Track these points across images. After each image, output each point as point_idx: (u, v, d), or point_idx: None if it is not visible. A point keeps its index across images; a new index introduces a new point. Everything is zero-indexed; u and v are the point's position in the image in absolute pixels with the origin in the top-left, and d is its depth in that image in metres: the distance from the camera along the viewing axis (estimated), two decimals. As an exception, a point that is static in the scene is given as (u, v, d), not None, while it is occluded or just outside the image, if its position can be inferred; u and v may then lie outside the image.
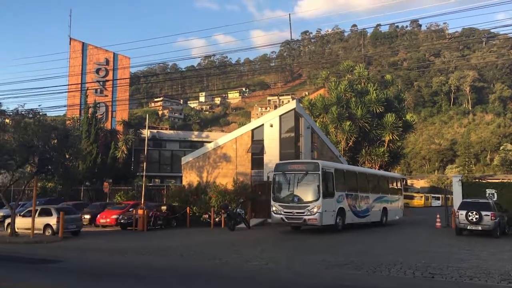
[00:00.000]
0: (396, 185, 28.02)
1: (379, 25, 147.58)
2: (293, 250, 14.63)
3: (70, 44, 47.17)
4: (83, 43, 47.51)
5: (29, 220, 19.66)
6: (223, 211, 23.18)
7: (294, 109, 26.70)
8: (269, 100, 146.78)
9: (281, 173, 19.79)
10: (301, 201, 18.95)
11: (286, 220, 19.33)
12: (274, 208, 19.67)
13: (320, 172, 18.88)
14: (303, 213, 18.74)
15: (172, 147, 47.08)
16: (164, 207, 25.18)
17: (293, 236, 19.17)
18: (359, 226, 22.57)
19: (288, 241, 17.35)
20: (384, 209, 24.81)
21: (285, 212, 19.23)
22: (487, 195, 22.79)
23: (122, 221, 24.20)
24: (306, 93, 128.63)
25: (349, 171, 23.29)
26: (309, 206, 18.66)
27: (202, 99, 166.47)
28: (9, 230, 20.32)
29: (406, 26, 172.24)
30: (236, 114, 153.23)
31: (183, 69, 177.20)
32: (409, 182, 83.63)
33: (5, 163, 19.81)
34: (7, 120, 20.68)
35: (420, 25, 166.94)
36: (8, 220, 21.25)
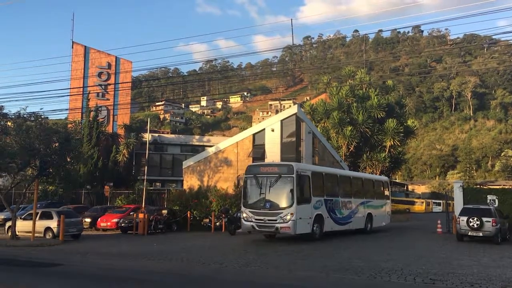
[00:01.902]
0: (383, 189, 26.33)
1: (380, 30, 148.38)
2: (293, 255, 14.60)
3: (72, 47, 47.27)
4: (85, 46, 47.65)
5: (29, 223, 19.70)
6: (223, 215, 23.20)
7: (295, 114, 26.72)
8: (271, 105, 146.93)
9: (252, 176, 18.14)
10: (274, 207, 17.31)
11: (257, 228, 17.74)
12: (244, 215, 18.09)
13: (294, 176, 17.27)
14: (275, 220, 17.11)
15: (173, 151, 47.19)
16: (164, 211, 25.12)
17: (292, 242, 19.09)
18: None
19: (287, 246, 17.29)
20: (369, 215, 23.24)
21: (256, 219, 17.60)
22: (488, 201, 22.73)
23: (122, 224, 24.22)
24: (308, 98, 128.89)
25: (329, 174, 21.29)
26: (282, 213, 17.07)
27: (203, 103, 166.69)
28: (9, 233, 20.37)
29: (408, 32, 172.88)
30: (237, 118, 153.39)
31: (185, 73, 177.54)
32: (410, 187, 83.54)
33: (7, 166, 19.91)
34: (9, 123, 20.75)
35: (422, 31, 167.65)
36: (8, 223, 21.30)
